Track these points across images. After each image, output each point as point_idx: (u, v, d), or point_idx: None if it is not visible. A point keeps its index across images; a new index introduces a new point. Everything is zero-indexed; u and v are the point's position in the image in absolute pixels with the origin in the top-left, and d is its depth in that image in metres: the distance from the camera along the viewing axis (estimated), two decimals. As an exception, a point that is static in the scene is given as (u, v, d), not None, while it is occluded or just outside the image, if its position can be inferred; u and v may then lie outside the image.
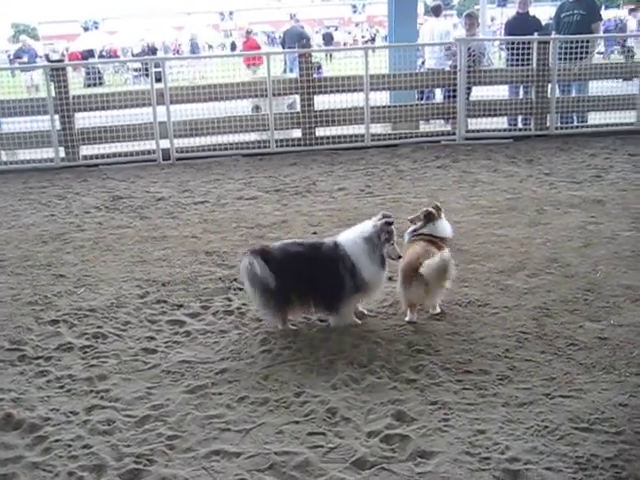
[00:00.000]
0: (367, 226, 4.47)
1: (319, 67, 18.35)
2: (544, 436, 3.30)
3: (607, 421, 3.40)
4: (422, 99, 12.40)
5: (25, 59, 19.28)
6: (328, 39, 36.02)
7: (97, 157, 10.30)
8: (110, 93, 10.75)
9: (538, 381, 3.80)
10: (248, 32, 23.84)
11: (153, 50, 34.41)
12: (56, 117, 10.05)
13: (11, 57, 24.67)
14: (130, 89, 12.17)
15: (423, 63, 12.94)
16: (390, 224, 4.39)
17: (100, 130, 10.28)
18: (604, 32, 22.44)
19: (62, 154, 10.20)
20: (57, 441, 3.43)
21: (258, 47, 22.48)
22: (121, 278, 5.61)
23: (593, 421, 3.40)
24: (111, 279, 5.59)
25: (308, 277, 4.38)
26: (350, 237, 4.49)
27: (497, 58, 14.43)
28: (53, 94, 10.00)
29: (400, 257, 4.47)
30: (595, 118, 11.46)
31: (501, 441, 3.27)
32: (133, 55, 33.20)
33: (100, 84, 15.73)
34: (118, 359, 4.26)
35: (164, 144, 10.29)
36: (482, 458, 3.16)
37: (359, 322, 4.60)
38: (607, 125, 11.13)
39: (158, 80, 10.29)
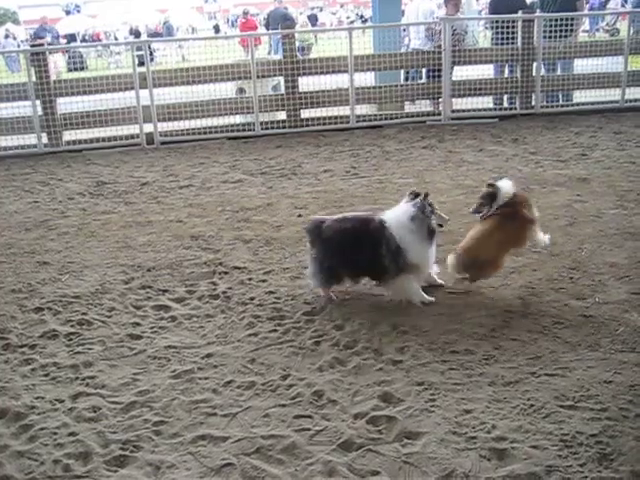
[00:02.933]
0: (407, 207, 4.49)
1: (309, 47, 18.24)
2: (530, 414, 3.32)
3: (592, 398, 3.41)
4: (407, 79, 12.35)
5: (48, 39, 18.49)
6: (313, 20, 35.72)
7: (80, 142, 10.21)
8: (92, 77, 10.62)
9: (524, 360, 3.81)
10: (245, 12, 23.67)
11: (137, 33, 34.02)
12: (38, 102, 9.93)
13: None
14: (112, 73, 12.02)
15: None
16: (426, 196, 4.47)
17: (83, 115, 10.16)
18: (588, 10, 22.36)
19: (45, 140, 10.10)
20: (42, 429, 3.40)
21: (256, 27, 22.33)
22: (105, 264, 5.57)
23: (578, 399, 3.42)
24: (95, 265, 5.55)
25: (353, 253, 4.48)
26: (396, 217, 4.50)
27: (482, 37, 14.39)
28: (34, 79, 9.87)
29: (448, 220, 4.70)
30: (580, 96, 11.47)
31: (487, 420, 3.28)
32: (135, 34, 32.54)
33: (82, 69, 15.57)
34: (103, 345, 4.24)
35: (148, 128, 10.20)
36: (469, 437, 3.17)
37: (432, 300, 4.57)
38: (592, 103, 11.14)
39: (147, 61, 10.17)
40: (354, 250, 4.47)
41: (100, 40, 35.02)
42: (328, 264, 4.53)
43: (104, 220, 6.75)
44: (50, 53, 10.74)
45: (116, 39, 34.65)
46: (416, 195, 4.49)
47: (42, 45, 11.12)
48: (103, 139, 10.17)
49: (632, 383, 3.52)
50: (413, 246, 4.39)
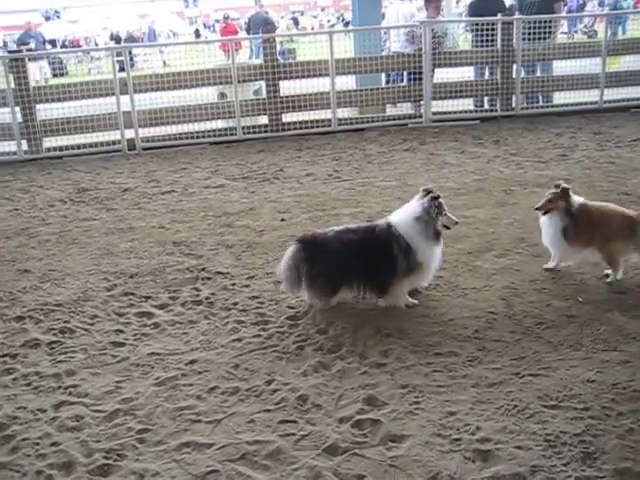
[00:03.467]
0: (415, 206, 4.49)
1: (293, 51, 18.25)
2: (514, 415, 3.33)
3: (575, 398, 3.43)
4: (389, 82, 12.39)
5: (32, 45, 18.14)
6: (294, 24, 35.82)
7: (61, 149, 10.12)
8: (72, 83, 10.54)
9: (507, 361, 3.83)
10: (226, 17, 23.63)
11: (117, 39, 33.85)
12: (17, 109, 9.85)
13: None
14: (93, 79, 11.96)
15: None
16: (436, 198, 4.42)
17: (63, 121, 10.08)
18: (567, 12, 22.58)
19: (25, 147, 10.01)
20: (25, 440, 3.37)
21: (237, 32, 22.26)
22: (87, 271, 5.52)
23: (561, 398, 3.44)
24: (77, 273, 5.51)
25: (361, 261, 4.40)
26: (402, 218, 4.49)
27: (462, 40, 14.46)
28: (12, 85, 9.79)
29: (457, 223, 4.61)
30: (560, 98, 11.56)
31: (472, 422, 3.29)
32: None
33: (62, 75, 15.48)
34: (86, 354, 4.20)
35: (129, 134, 10.15)
36: (453, 439, 3.18)
37: (416, 302, 4.59)
38: (572, 104, 11.24)
39: (127, 67, 10.13)
40: (365, 257, 4.40)
41: (80, 46, 34.81)
42: (335, 275, 4.45)
43: (86, 227, 6.70)
44: (30, 60, 10.65)
45: (96, 45, 34.45)
46: (428, 193, 4.46)
47: (21, 51, 11.03)
48: (84, 145, 10.10)
49: (614, 382, 3.55)
50: (420, 245, 4.40)
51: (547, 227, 4.91)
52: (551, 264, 5.04)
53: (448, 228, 4.57)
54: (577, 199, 4.81)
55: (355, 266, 4.40)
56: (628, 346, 3.91)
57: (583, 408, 3.34)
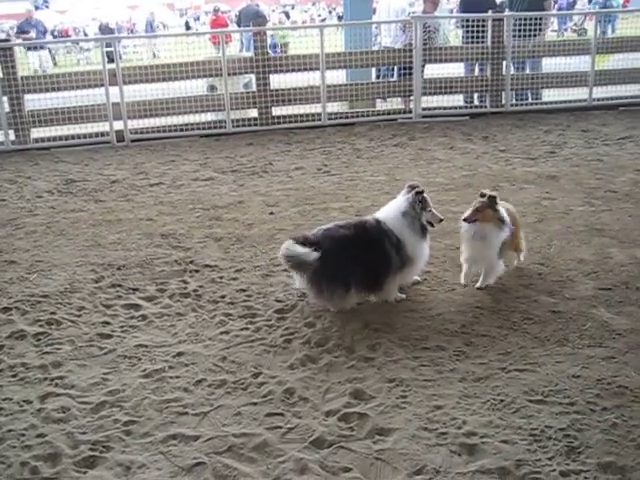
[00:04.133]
0: (401, 201, 4.50)
1: (286, 45, 18.22)
2: (500, 410, 3.35)
3: (560, 393, 3.46)
4: (379, 77, 12.40)
5: (33, 34, 17.73)
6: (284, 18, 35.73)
7: (49, 140, 10.04)
8: (61, 74, 10.48)
9: (494, 356, 3.85)
10: (216, 10, 23.51)
11: (106, 30, 33.63)
12: (5, 99, 9.77)
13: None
14: (82, 69, 11.87)
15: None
16: (420, 193, 4.42)
17: (51, 112, 10.00)
18: (557, 10, 22.65)
19: (12, 137, 9.93)
20: (10, 431, 3.35)
21: (227, 25, 22.14)
22: (75, 263, 5.50)
23: (547, 393, 3.46)
24: (64, 264, 5.48)
25: (357, 259, 4.34)
26: (390, 213, 4.50)
27: (453, 36, 14.47)
28: (0, 75, 9.71)
29: (442, 220, 4.57)
30: (549, 95, 11.61)
31: (458, 416, 3.31)
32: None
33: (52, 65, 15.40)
34: (73, 345, 4.18)
35: (118, 125, 10.09)
36: (439, 433, 3.19)
37: (404, 297, 4.60)
38: (561, 102, 11.28)
39: (117, 58, 10.08)
40: (360, 254, 4.34)
41: (69, 36, 34.58)
42: (339, 276, 4.34)
43: (73, 218, 6.66)
44: (29, 49, 10.55)
45: (85, 35, 34.22)
46: (413, 188, 4.47)
47: (8, 40, 10.95)
48: (72, 136, 10.04)
49: (599, 377, 3.58)
50: (409, 240, 4.41)
51: (479, 240, 4.51)
52: (480, 283, 4.71)
53: (432, 225, 4.56)
54: (504, 206, 4.66)
55: (351, 264, 4.35)
56: (613, 342, 3.94)
57: (568, 403, 3.37)
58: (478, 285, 4.69)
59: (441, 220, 4.56)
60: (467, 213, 4.53)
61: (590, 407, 3.33)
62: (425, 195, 4.46)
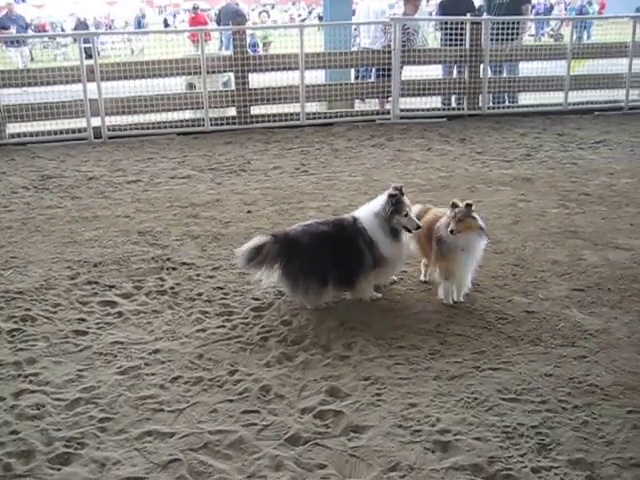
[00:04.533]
0: (379, 201, 4.49)
1: (269, 44, 18.18)
2: (473, 407, 3.39)
3: (533, 391, 3.51)
4: (358, 78, 12.45)
5: (13, 30, 17.23)
6: (264, 17, 35.67)
7: (25, 135, 9.95)
8: (37, 69, 10.38)
9: (468, 354, 3.90)
10: (195, 7, 23.41)
11: (84, 25, 33.32)
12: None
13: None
14: (59, 65, 11.77)
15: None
16: (393, 196, 4.37)
17: (28, 107, 9.90)
18: (534, 15, 22.89)
19: (-12, 132, 9.83)
20: (-17, 428, 3.33)
21: (206, 23, 22.06)
22: (51, 259, 5.46)
23: (520, 391, 3.51)
24: (40, 261, 5.44)
25: (332, 255, 4.37)
26: (365, 213, 4.52)
27: (432, 38, 14.57)
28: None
29: (419, 227, 4.42)
30: (525, 98, 11.74)
31: (432, 414, 3.34)
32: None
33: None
34: (48, 342, 4.15)
35: (95, 122, 10.02)
36: (414, 431, 3.22)
37: (379, 296, 4.62)
38: (537, 105, 11.41)
39: (95, 54, 10.02)
40: (336, 250, 4.38)
41: (46, 31, 34.20)
42: (316, 271, 4.37)
43: (49, 215, 6.61)
44: (7, 44, 10.43)
45: (63, 30, 33.86)
46: (396, 190, 4.42)
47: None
48: (49, 132, 9.95)
49: (571, 376, 3.64)
50: (381, 240, 4.40)
51: (466, 251, 4.35)
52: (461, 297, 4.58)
53: (409, 230, 4.45)
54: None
55: (329, 260, 4.38)
56: (585, 342, 4.01)
57: (540, 401, 3.42)
58: (459, 299, 4.58)
59: (418, 227, 4.42)
60: (451, 225, 4.24)
61: (562, 405, 3.38)
62: (402, 198, 4.39)
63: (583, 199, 6.74)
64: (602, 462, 2.96)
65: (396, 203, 4.37)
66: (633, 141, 9.37)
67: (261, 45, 21.06)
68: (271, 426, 3.29)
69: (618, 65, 11.67)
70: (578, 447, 3.06)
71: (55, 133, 9.95)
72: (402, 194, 4.41)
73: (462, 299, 4.57)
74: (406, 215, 4.39)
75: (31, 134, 9.94)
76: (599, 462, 2.96)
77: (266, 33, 21.29)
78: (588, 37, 18.41)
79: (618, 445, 3.07)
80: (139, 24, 31.40)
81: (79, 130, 10.04)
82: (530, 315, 4.36)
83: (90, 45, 10.14)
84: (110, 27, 35.46)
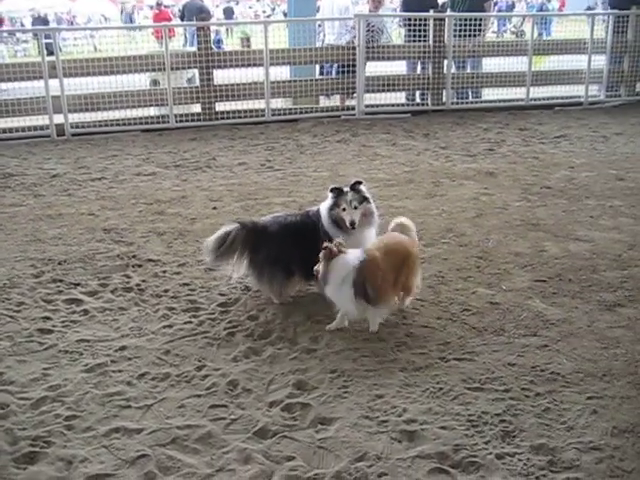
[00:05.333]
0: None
1: (248, 39, 18.02)
2: (439, 397, 3.44)
3: (497, 380, 3.58)
4: (323, 74, 12.47)
5: None
6: (229, 13, 35.39)
7: (-15, 133, 9.79)
8: (-3, 65, 10.22)
9: (434, 346, 3.95)
10: (159, 4, 23.21)
11: (44, 21, 32.77)
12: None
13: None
14: (19, 61, 11.59)
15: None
16: (334, 189, 4.35)
17: (-13, 105, 9.75)
18: (497, 12, 23.13)
19: (-54, 130, 9.64)
20: (-53, 428, 3.28)
21: (170, 19, 21.89)
22: (14, 258, 5.39)
23: (484, 381, 3.57)
24: (2, 259, 5.36)
25: (299, 244, 4.35)
26: (322, 205, 4.50)
27: (395, 35, 14.66)
28: None
29: (353, 224, 4.25)
30: (489, 94, 11.89)
31: (399, 404, 3.39)
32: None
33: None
34: (12, 341, 4.10)
35: (58, 119, 9.89)
36: (380, 421, 3.26)
37: None
38: (500, 101, 11.57)
39: (57, 50, 9.87)
40: (303, 242, 4.35)
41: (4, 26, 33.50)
42: (282, 261, 4.39)
43: (11, 213, 6.52)
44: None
45: (22, 26, 33.25)
46: (356, 183, 4.39)
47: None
48: (10, 130, 9.79)
49: (533, 364, 3.71)
50: (334, 233, 4.35)
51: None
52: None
53: (353, 227, 4.29)
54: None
55: (294, 250, 4.37)
56: (547, 331, 4.09)
57: (504, 390, 3.49)
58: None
59: (352, 224, 4.26)
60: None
61: (524, 393, 3.45)
62: (343, 191, 4.33)
63: (544, 192, 6.87)
64: (563, 447, 3.03)
65: (337, 197, 4.35)
66: (593, 135, 9.57)
67: (240, 42, 20.90)
68: (239, 420, 3.30)
69: (577, 62, 11.89)
70: (540, 433, 3.13)
71: (17, 130, 9.80)
72: (356, 190, 4.34)
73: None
74: (344, 210, 4.31)
75: (-9, 132, 9.77)
76: (560, 447, 3.03)
77: (244, 30, 21.18)
78: (548, 34, 18.67)
79: (578, 430, 3.15)
80: (130, 20, 30.99)
81: (41, 127, 9.90)
82: (494, 306, 4.43)
83: (51, 41, 9.98)
84: (72, 23, 34.89)
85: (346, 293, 3.96)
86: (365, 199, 4.38)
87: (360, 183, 4.43)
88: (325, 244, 4.00)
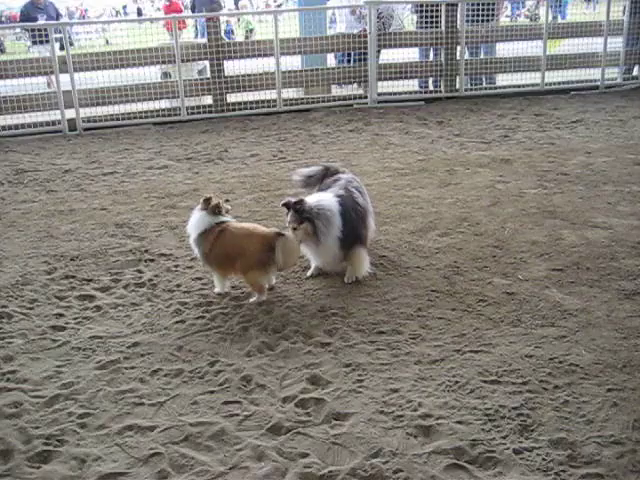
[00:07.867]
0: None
1: (251, 31, 17.96)
2: (455, 391, 3.39)
3: (514, 372, 3.51)
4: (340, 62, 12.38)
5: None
6: (237, 3, 35.25)
7: (-2, 129, 9.81)
8: (8, 61, 10.21)
9: (449, 338, 3.89)
10: None
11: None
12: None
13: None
14: (31, 57, 11.58)
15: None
16: (284, 205, 4.50)
17: (0, 100, 9.75)
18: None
19: (-41, 126, 9.67)
20: (-40, 427, 3.28)
21: (181, 10, 21.80)
22: (26, 254, 5.38)
23: (501, 373, 3.51)
24: (16, 256, 5.36)
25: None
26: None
27: (408, 21, 14.51)
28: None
29: (281, 234, 4.34)
30: (503, 80, 11.75)
31: (414, 398, 3.34)
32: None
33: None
34: (25, 338, 4.10)
35: (70, 114, 9.89)
36: (396, 416, 3.21)
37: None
38: (514, 86, 11.42)
39: (67, 45, 9.86)
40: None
41: (17, 22, 33.61)
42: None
43: (24, 209, 6.52)
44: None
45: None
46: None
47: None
48: (22, 125, 9.80)
49: (551, 356, 3.64)
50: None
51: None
52: None
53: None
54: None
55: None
56: (565, 322, 4.02)
57: (521, 382, 3.42)
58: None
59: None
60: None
61: (542, 386, 3.39)
62: (288, 212, 4.43)
63: (561, 179, 6.76)
64: (583, 441, 2.97)
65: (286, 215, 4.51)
66: (610, 120, 9.41)
67: (244, 33, 20.86)
68: (252, 416, 3.27)
69: (593, 44, 11.71)
70: (559, 427, 3.07)
71: (29, 126, 9.81)
72: (296, 210, 4.38)
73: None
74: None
75: (4, 127, 9.80)
76: (580, 441, 2.97)
77: (248, 21, 21.10)
78: (563, 17, 18.41)
79: (598, 423, 3.09)
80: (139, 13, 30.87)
81: (53, 123, 9.91)
82: (510, 296, 4.36)
83: (61, 35, 9.97)
84: (84, 17, 34.94)
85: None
86: (306, 219, 4.36)
87: (301, 202, 4.38)
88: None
